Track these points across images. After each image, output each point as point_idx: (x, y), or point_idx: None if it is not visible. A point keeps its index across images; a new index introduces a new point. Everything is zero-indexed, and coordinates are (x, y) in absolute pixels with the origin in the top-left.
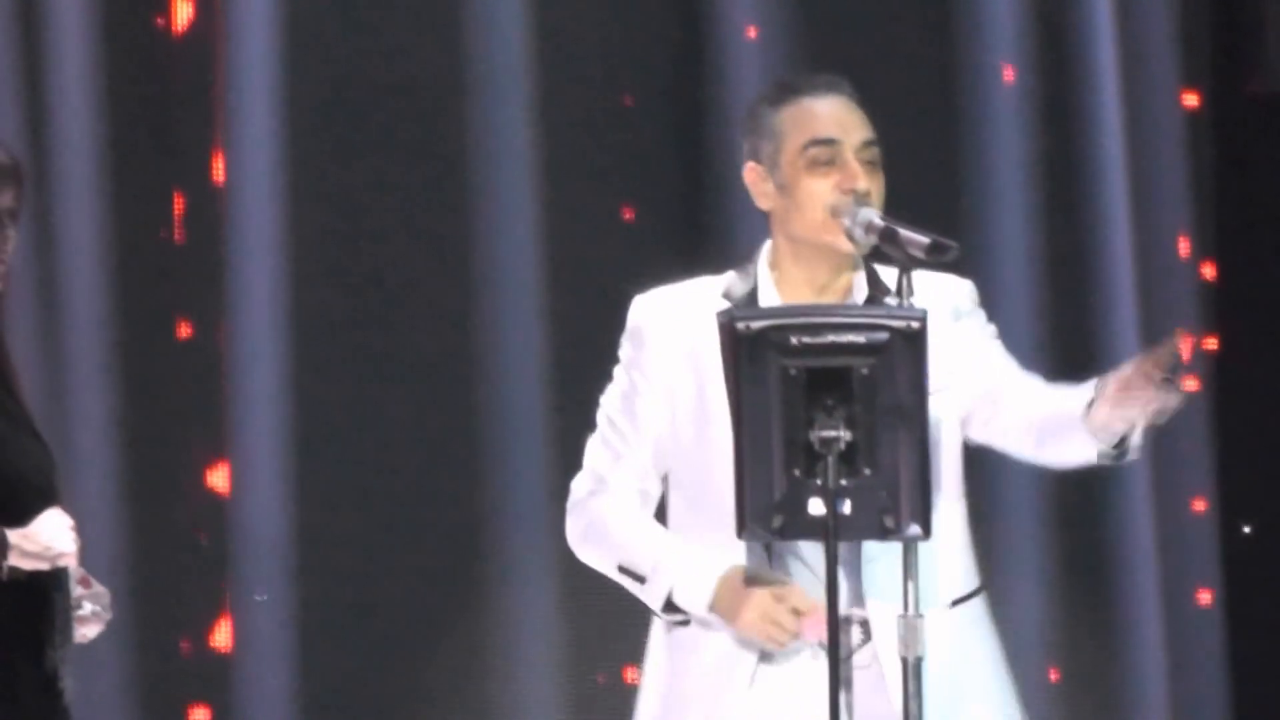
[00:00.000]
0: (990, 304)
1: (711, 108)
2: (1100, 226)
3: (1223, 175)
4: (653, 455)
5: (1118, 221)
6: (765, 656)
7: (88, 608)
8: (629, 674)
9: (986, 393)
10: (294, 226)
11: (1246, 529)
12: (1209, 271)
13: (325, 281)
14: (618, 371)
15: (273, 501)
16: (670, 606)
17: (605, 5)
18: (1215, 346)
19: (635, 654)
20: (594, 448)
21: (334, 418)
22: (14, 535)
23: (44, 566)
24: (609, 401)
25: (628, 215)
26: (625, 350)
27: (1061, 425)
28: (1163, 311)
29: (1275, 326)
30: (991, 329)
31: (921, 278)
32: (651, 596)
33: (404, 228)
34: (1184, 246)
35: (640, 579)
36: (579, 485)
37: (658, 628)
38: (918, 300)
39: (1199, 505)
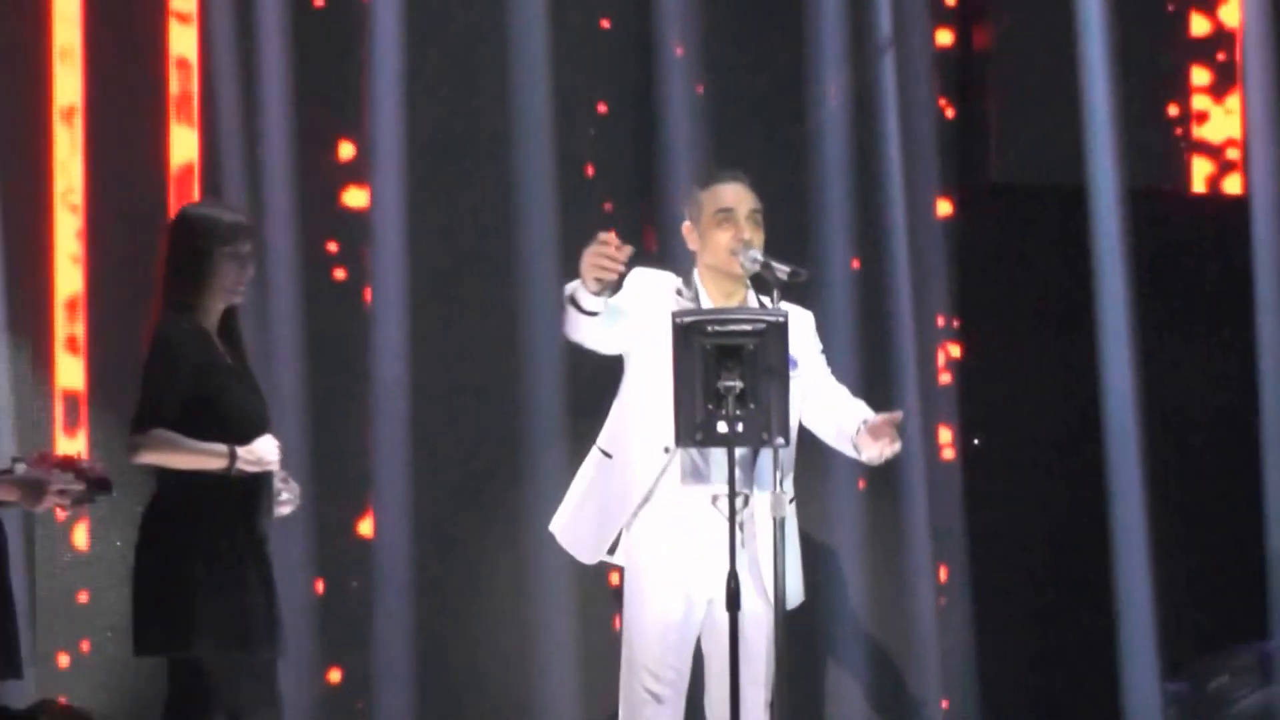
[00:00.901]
0: (826, 322)
1: (656, 194)
2: (892, 298)
3: (966, 254)
4: (619, 325)
5: (903, 295)
6: (690, 519)
7: (285, 496)
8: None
9: (813, 392)
10: (411, 261)
11: (976, 441)
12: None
13: (430, 299)
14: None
15: (399, 455)
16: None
17: (606, 93)
18: (960, 355)
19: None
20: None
21: (436, 393)
22: (241, 450)
23: (259, 469)
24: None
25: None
26: (624, 292)
27: (843, 437)
28: (929, 336)
29: (1002, 340)
30: (819, 345)
31: (786, 305)
32: (567, 292)
33: (468, 257)
34: (940, 320)
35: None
36: None
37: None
38: (784, 307)
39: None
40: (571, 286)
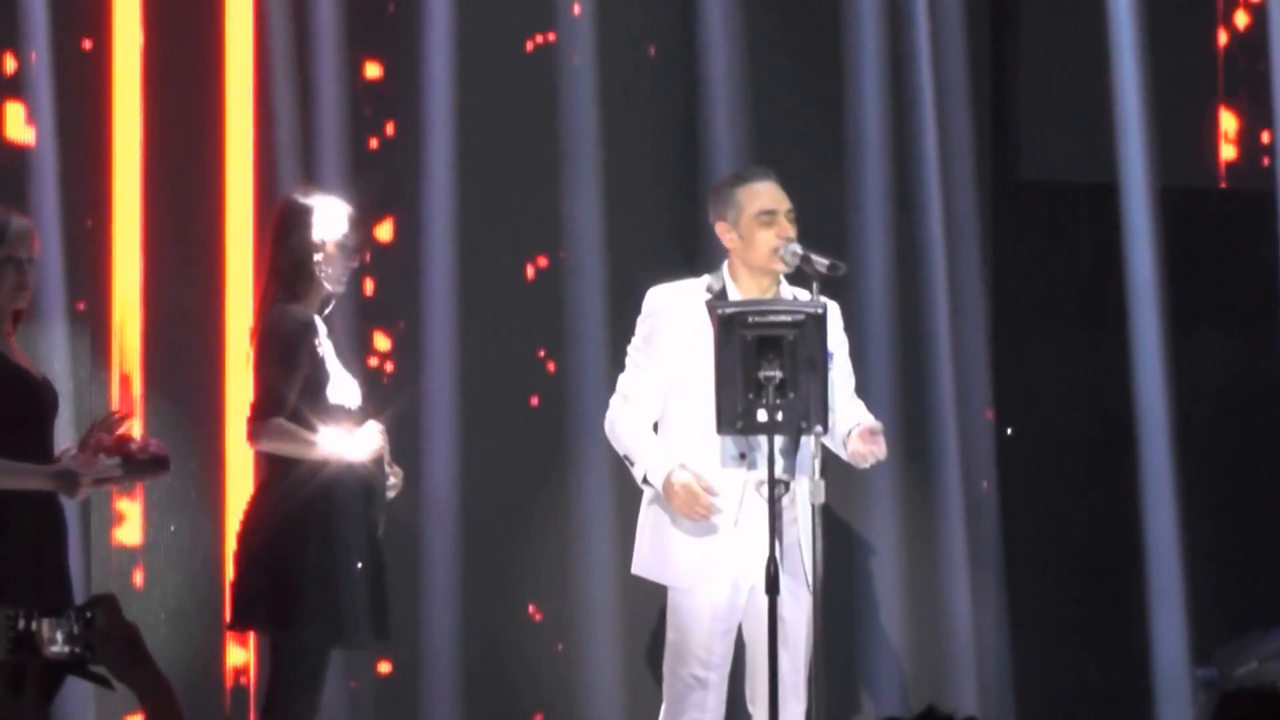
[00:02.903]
0: (861, 314)
1: (699, 189)
2: (927, 300)
3: (998, 250)
4: (657, 385)
5: (939, 298)
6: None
7: (391, 481)
8: None
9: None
10: (459, 265)
11: (1009, 430)
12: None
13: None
14: (639, 332)
15: (448, 437)
16: (645, 482)
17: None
18: (992, 349)
19: None
20: (624, 378)
21: (484, 370)
22: (346, 442)
23: (366, 457)
24: (634, 350)
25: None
26: (645, 321)
27: (836, 438)
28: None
29: (1033, 335)
30: (846, 343)
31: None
32: (636, 475)
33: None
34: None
35: (631, 464)
36: (615, 399)
37: (647, 494)
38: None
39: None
40: (641, 470)
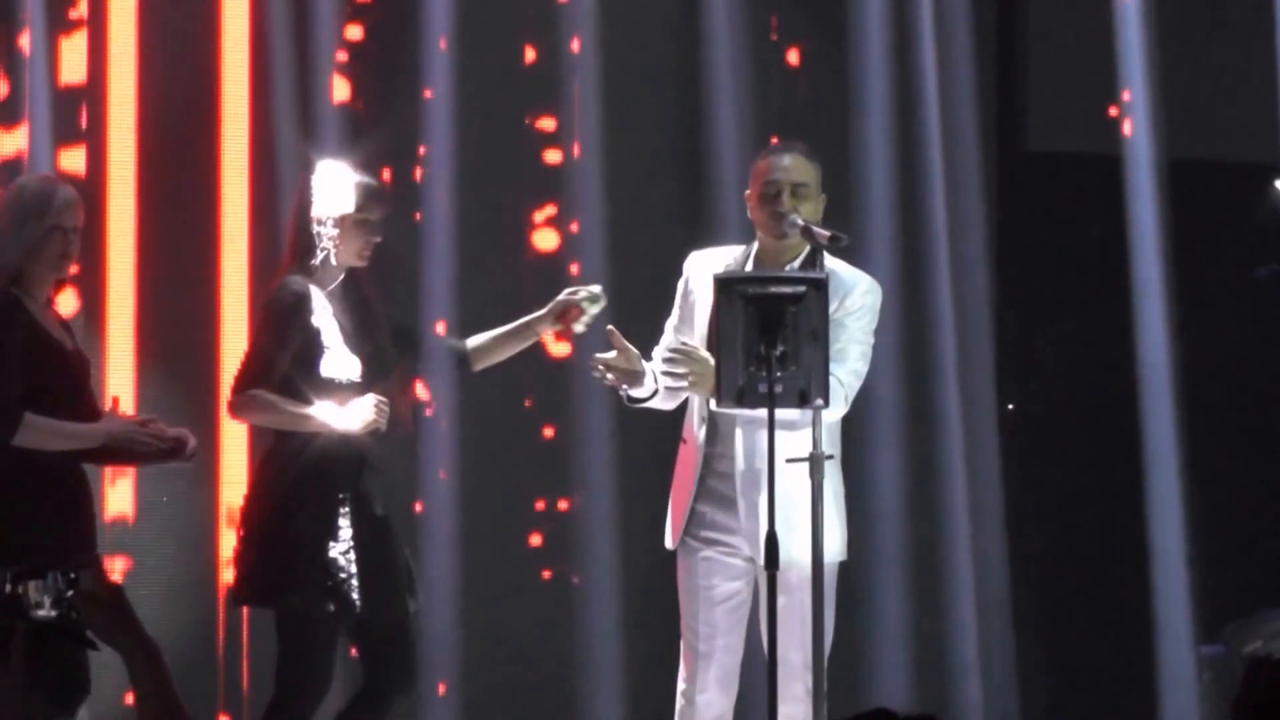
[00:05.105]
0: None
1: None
2: (932, 271)
3: (1003, 222)
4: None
5: (941, 269)
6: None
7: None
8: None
9: None
10: (456, 248)
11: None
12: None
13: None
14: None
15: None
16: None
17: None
18: (996, 321)
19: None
20: (660, 344)
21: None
22: (332, 415)
23: (354, 429)
24: (672, 314)
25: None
26: (680, 283)
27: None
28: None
29: (1038, 306)
30: (863, 320)
31: (846, 269)
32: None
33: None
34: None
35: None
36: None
37: None
38: (857, 277)
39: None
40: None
